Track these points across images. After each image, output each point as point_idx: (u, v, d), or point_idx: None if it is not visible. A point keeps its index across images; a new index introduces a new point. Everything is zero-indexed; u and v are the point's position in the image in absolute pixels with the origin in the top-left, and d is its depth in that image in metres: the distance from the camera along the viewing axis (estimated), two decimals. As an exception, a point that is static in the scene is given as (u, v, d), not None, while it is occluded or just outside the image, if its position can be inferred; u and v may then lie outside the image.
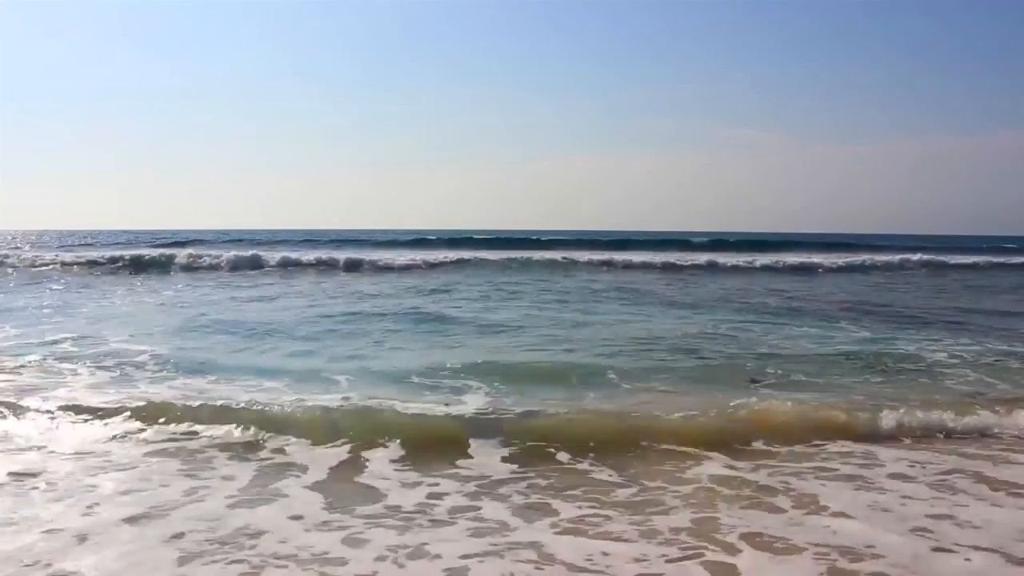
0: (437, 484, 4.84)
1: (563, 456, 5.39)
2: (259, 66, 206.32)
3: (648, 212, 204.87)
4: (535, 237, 46.05)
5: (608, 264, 26.54)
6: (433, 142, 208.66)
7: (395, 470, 5.08)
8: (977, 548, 3.91)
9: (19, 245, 45.09)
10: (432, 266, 25.36)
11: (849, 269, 26.34)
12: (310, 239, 49.69)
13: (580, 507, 4.48)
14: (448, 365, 8.27)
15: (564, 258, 27.67)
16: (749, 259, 27.81)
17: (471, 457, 5.37)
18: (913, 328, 11.68)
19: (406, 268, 24.77)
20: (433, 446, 5.50)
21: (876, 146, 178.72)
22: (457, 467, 5.16)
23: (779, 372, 8.17)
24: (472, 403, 6.75)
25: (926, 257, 29.17)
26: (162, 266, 24.96)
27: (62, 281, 20.92)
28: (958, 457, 5.49)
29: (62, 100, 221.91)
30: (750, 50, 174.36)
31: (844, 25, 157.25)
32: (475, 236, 47.75)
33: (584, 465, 5.24)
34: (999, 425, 6.14)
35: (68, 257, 27.02)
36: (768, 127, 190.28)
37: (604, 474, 5.06)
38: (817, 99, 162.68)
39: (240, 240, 48.90)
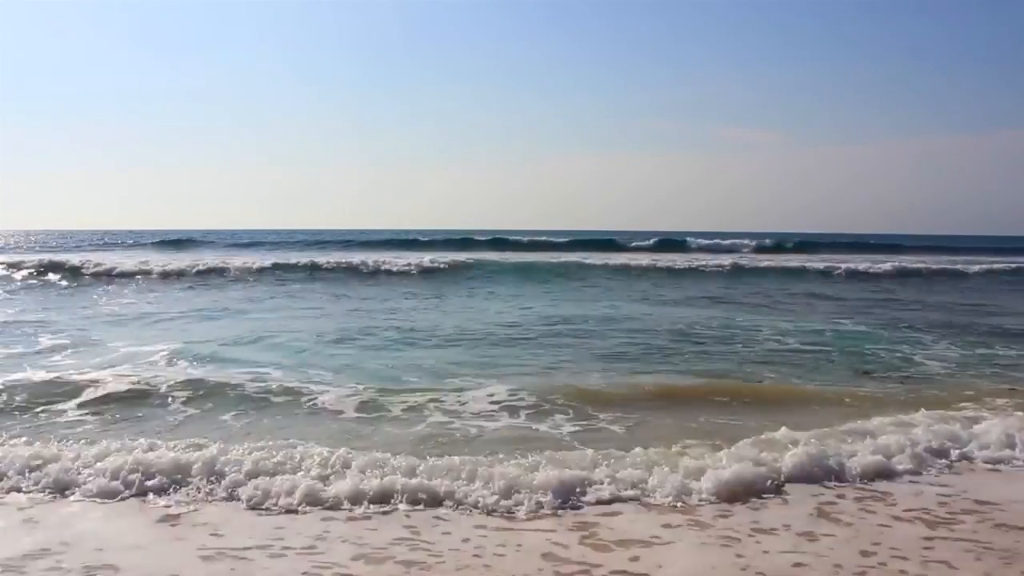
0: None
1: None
2: (259, 66, 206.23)
3: (648, 212, 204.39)
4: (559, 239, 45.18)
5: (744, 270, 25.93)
6: (433, 142, 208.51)
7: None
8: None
9: None
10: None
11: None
12: (320, 240, 49.26)
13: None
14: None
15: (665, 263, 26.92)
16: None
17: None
18: None
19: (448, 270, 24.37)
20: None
21: (876, 146, 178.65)
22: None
23: None
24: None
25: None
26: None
27: None
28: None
29: (62, 101, 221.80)
30: (750, 50, 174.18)
31: (844, 25, 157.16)
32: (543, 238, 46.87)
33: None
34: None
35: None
36: (768, 127, 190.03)
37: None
38: (817, 99, 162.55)
39: (254, 242, 48.76)
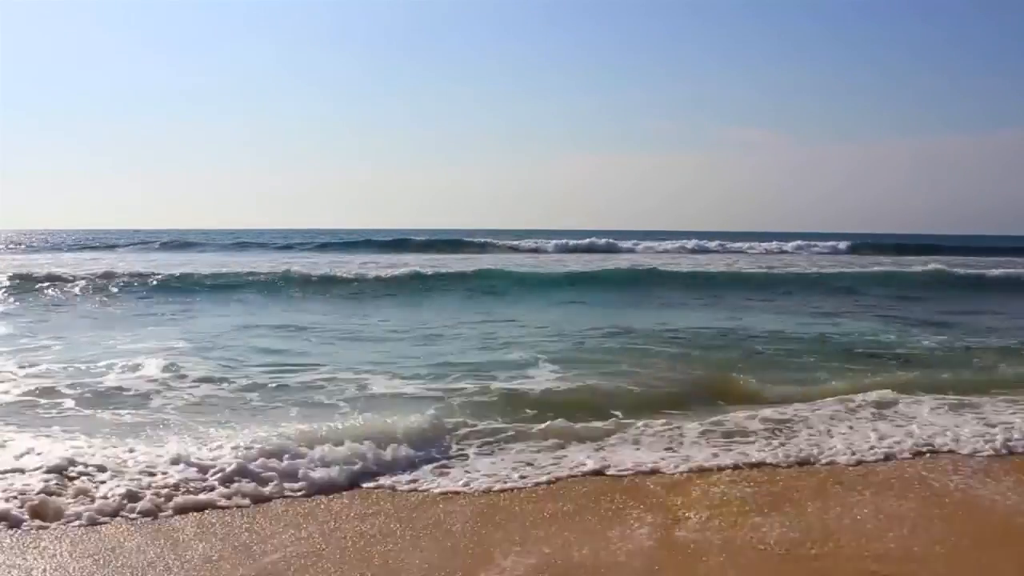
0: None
1: None
2: (258, 66, 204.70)
3: (648, 212, 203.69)
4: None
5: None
6: (433, 142, 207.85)
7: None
8: None
9: None
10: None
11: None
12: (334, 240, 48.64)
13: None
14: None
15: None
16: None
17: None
18: None
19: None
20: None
21: (876, 146, 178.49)
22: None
23: None
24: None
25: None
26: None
27: None
28: None
29: (62, 100, 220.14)
30: (750, 50, 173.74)
31: (844, 25, 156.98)
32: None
33: None
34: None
35: None
36: (768, 127, 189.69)
37: None
38: (817, 99, 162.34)
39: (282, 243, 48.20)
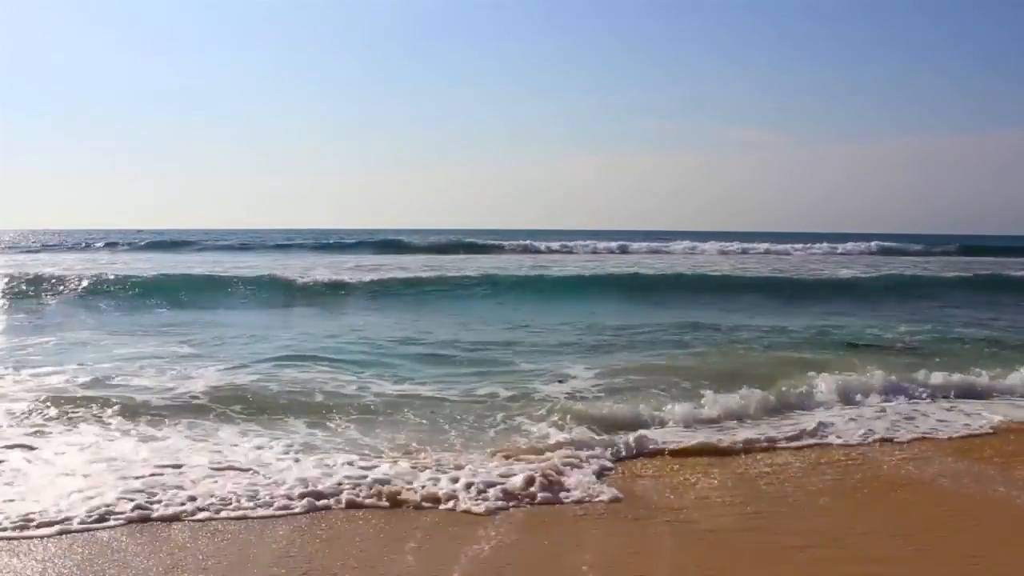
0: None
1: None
2: (258, 66, 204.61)
3: (648, 212, 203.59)
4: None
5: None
6: (433, 142, 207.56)
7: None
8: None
9: None
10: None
11: None
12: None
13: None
14: None
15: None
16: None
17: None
18: None
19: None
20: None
21: (876, 146, 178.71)
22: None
23: None
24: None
25: None
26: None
27: None
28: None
29: (62, 100, 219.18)
30: (750, 50, 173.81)
31: (844, 25, 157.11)
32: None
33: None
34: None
35: None
36: (768, 127, 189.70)
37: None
38: (817, 99, 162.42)
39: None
